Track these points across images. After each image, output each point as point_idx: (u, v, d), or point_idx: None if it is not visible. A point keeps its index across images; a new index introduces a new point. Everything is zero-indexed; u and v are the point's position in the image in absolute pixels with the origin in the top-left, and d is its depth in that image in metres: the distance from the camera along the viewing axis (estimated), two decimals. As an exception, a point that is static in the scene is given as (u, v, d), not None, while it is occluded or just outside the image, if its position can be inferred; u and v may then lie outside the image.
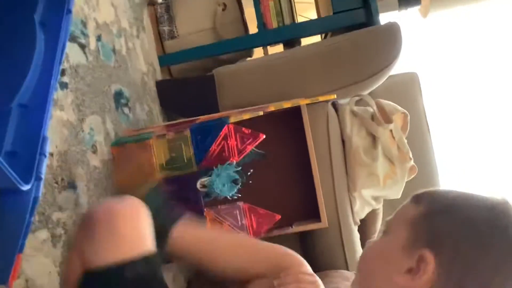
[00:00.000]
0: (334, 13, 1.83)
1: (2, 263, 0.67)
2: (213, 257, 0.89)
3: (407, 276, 0.71)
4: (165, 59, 1.90)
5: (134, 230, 0.77)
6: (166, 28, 1.97)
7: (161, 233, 0.84)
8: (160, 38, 1.97)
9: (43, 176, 0.67)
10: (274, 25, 1.89)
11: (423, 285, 0.70)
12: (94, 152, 1.14)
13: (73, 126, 1.05)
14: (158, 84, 1.74)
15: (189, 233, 0.89)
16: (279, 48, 2.11)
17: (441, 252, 0.70)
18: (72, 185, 1.00)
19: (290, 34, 1.90)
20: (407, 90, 1.96)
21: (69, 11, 0.81)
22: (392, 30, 1.62)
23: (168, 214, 0.88)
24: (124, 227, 0.76)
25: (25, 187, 0.61)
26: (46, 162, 0.69)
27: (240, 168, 1.18)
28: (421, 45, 2.43)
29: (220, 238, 0.92)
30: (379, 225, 1.72)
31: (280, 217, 1.20)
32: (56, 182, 0.95)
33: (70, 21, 0.83)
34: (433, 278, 0.69)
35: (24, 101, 0.72)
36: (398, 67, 1.73)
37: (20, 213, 0.66)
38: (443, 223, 0.73)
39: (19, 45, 0.77)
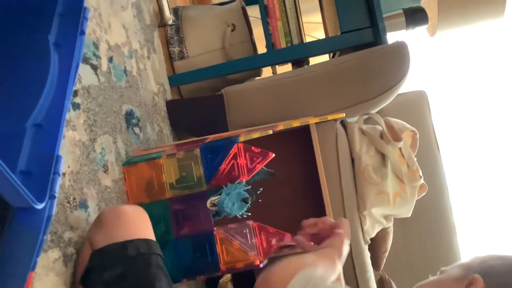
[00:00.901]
0: (342, 33, 1.85)
1: (15, 281, 0.67)
2: None
3: None
4: (175, 79, 1.92)
5: (136, 219, 0.92)
6: (176, 49, 2.00)
7: None
8: (170, 58, 2.00)
9: (57, 195, 0.68)
10: (283, 45, 1.91)
11: None
12: (105, 171, 1.15)
13: (85, 146, 1.07)
14: (168, 104, 1.76)
15: None
16: (287, 67, 2.13)
17: (489, 281, 0.83)
18: (83, 205, 1.01)
19: (298, 54, 1.92)
20: (416, 108, 1.97)
21: (83, 32, 0.83)
22: (400, 49, 1.63)
23: None
24: (128, 216, 0.91)
25: (39, 206, 0.62)
26: (59, 181, 0.70)
27: (249, 186, 1.19)
28: (429, 63, 2.44)
29: None
30: (389, 243, 1.71)
31: (290, 235, 1.19)
32: (68, 202, 0.95)
33: (83, 42, 0.85)
34: None
35: (38, 121, 0.74)
36: (407, 86, 1.74)
37: (34, 232, 0.67)
38: (493, 263, 0.87)
39: (34, 66, 0.79)
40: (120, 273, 0.84)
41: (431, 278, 0.96)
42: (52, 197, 0.68)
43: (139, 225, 0.92)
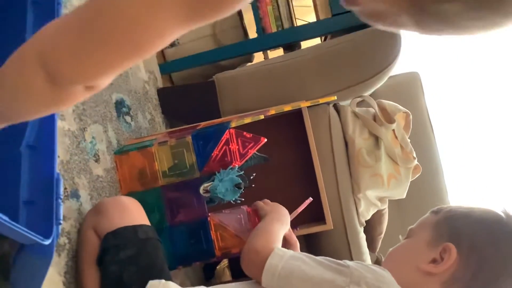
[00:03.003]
0: (333, 15, 1.83)
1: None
2: None
3: (431, 264, 0.84)
4: (166, 67, 1.90)
5: (135, 208, 0.98)
6: (166, 36, 1.98)
7: None
8: (160, 46, 1.97)
9: (62, 222, 0.68)
10: (273, 29, 1.90)
11: (445, 272, 0.82)
12: (97, 161, 1.14)
13: (74, 135, 1.06)
14: (160, 92, 1.74)
15: None
16: (279, 52, 2.11)
17: (460, 245, 0.83)
18: (75, 194, 1.00)
19: (290, 38, 1.90)
20: (409, 89, 1.96)
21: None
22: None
23: None
24: (128, 205, 0.97)
25: (47, 242, 0.62)
26: (62, 205, 0.70)
27: (242, 172, 1.18)
28: (421, 44, 2.43)
29: None
30: (385, 225, 1.71)
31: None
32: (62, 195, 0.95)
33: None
34: (453, 267, 0.82)
35: (31, 142, 0.73)
36: (399, 67, 1.73)
37: (43, 260, 0.67)
38: (461, 224, 0.87)
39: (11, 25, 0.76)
40: (134, 253, 0.89)
41: (402, 241, 0.96)
42: (58, 224, 0.68)
43: (139, 214, 0.99)
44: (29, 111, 0.60)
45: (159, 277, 0.85)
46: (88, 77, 0.55)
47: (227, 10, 0.52)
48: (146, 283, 0.83)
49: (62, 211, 0.69)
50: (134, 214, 0.96)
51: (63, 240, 0.93)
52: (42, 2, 0.77)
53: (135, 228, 0.92)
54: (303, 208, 1.18)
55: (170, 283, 0.84)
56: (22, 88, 0.56)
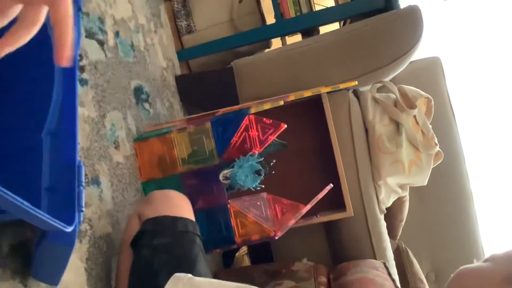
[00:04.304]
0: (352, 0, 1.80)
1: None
2: None
3: None
4: (184, 54, 1.89)
5: (182, 203, 0.98)
6: (183, 23, 1.97)
7: None
8: (178, 33, 1.97)
9: (83, 209, 0.68)
10: (292, 14, 1.87)
11: None
12: (117, 147, 1.14)
13: (94, 122, 1.06)
14: (178, 79, 1.74)
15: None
16: (297, 38, 2.09)
17: None
18: (95, 181, 1.00)
19: (308, 23, 1.88)
20: (430, 75, 1.93)
21: (79, 8, 0.80)
22: (413, 14, 1.58)
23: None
24: (176, 199, 0.98)
25: (70, 229, 0.61)
26: (84, 192, 0.69)
27: (262, 158, 1.17)
28: (443, 28, 2.38)
29: None
30: (405, 213, 1.69)
31: (304, 206, 1.18)
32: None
33: (80, 19, 0.82)
34: None
35: (52, 128, 0.72)
36: (420, 52, 1.70)
37: (66, 247, 0.67)
38: None
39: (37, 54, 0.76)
40: (168, 242, 0.89)
41: (476, 263, 0.88)
42: (80, 211, 0.67)
43: (184, 208, 0.99)
44: None
45: (189, 271, 0.83)
46: None
47: None
48: (174, 272, 0.82)
49: (84, 198, 0.69)
50: (179, 207, 0.97)
51: (84, 226, 0.93)
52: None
53: (175, 219, 0.93)
54: (323, 194, 1.16)
55: (196, 278, 0.81)
56: None
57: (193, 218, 0.97)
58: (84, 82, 1.06)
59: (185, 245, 0.91)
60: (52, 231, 0.63)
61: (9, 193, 0.53)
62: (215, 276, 1.55)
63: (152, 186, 1.22)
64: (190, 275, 0.80)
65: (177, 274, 0.79)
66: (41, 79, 0.74)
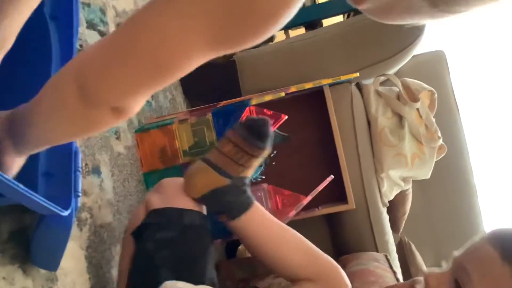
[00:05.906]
0: (355, -8, 1.79)
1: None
2: (273, 248, 0.87)
3: None
4: (187, 47, 1.89)
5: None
6: (186, 16, 1.97)
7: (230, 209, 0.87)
8: (181, 26, 1.97)
9: (80, 194, 0.68)
10: (295, 7, 1.86)
11: None
12: (118, 138, 1.14)
13: (95, 112, 1.06)
14: (180, 72, 1.73)
15: (260, 217, 0.88)
16: (300, 31, 2.08)
17: None
18: (96, 171, 1.01)
19: (311, 16, 1.87)
20: (434, 69, 1.92)
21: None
22: (416, 6, 1.57)
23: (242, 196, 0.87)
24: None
25: (66, 213, 0.62)
26: (80, 177, 0.70)
27: (263, 150, 1.17)
28: (447, 22, 2.36)
29: (286, 233, 0.89)
30: (408, 206, 1.69)
31: (305, 198, 1.18)
32: (81, 167, 0.95)
33: (78, 9, 0.83)
34: None
35: None
36: (425, 46, 1.69)
37: (63, 231, 0.68)
38: None
39: (36, 45, 0.76)
40: (172, 237, 0.84)
41: (443, 269, 0.72)
42: (77, 196, 0.68)
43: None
44: (64, 132, 0.62)
45: (191, 269, 0.82)
46: (115, 94, 0.57)
47: (249, 43, 0.56)
48: (176, 269, 0.81)
49: (80, 183, 0.69)
50: (189, 199, 0.90)
51: (84, 215, 0.93)
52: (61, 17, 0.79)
53: (182, 212, 0.86)
54: (324, 186, 1.16)
55: (180, 284, 0.75)
56: (56, 104, 0.59)
57: (202, 209, 0.90)
58: (85, 72, 1.06)
59: (190, 240, 0.86)
60: (49, 216, 0.64)
61: (6, 176, 0.53)
62: (217, 266, 1.55)
63: (153, 177, 1.22)
64: (179, 283, 0.75)
65: (167, 282, 0.74)
66: (38, 53, 0.75)
